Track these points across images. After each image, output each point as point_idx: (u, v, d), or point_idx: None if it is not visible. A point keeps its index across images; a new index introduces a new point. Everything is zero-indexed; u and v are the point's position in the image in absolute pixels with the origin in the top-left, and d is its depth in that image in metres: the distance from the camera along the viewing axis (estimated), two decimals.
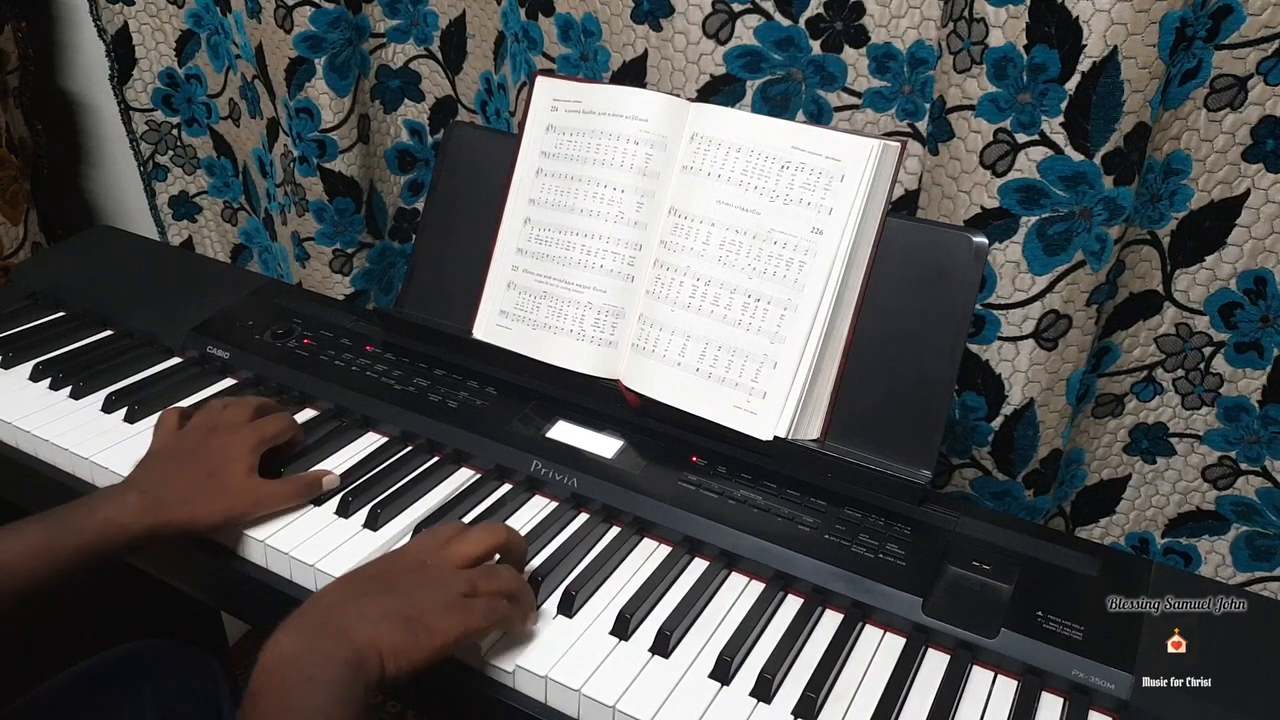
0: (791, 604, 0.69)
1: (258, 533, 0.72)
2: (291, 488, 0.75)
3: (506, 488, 0.79)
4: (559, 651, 0.64)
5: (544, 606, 0.68)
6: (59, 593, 0.67)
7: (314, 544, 0.72)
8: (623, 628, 0.65)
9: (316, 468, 0.79)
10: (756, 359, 0.76)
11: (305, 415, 0.87)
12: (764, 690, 0.62)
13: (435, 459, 0.81)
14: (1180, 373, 0.96)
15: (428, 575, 0.62)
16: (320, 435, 0.83)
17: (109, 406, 0.86)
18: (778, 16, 0.91)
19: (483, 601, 0.61)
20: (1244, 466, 0.97)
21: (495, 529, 0.67)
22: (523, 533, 0.73)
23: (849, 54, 0.92)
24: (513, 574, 0.65)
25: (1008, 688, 0.64)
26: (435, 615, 0.59)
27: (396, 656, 0.56)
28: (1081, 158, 0.80)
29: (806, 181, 0.75)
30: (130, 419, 0.85)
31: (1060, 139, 0.80)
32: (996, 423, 0.93)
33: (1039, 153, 0.81)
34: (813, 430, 0.77)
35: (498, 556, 0.66)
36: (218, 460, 0.73)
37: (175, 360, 0.94)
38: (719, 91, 0.94)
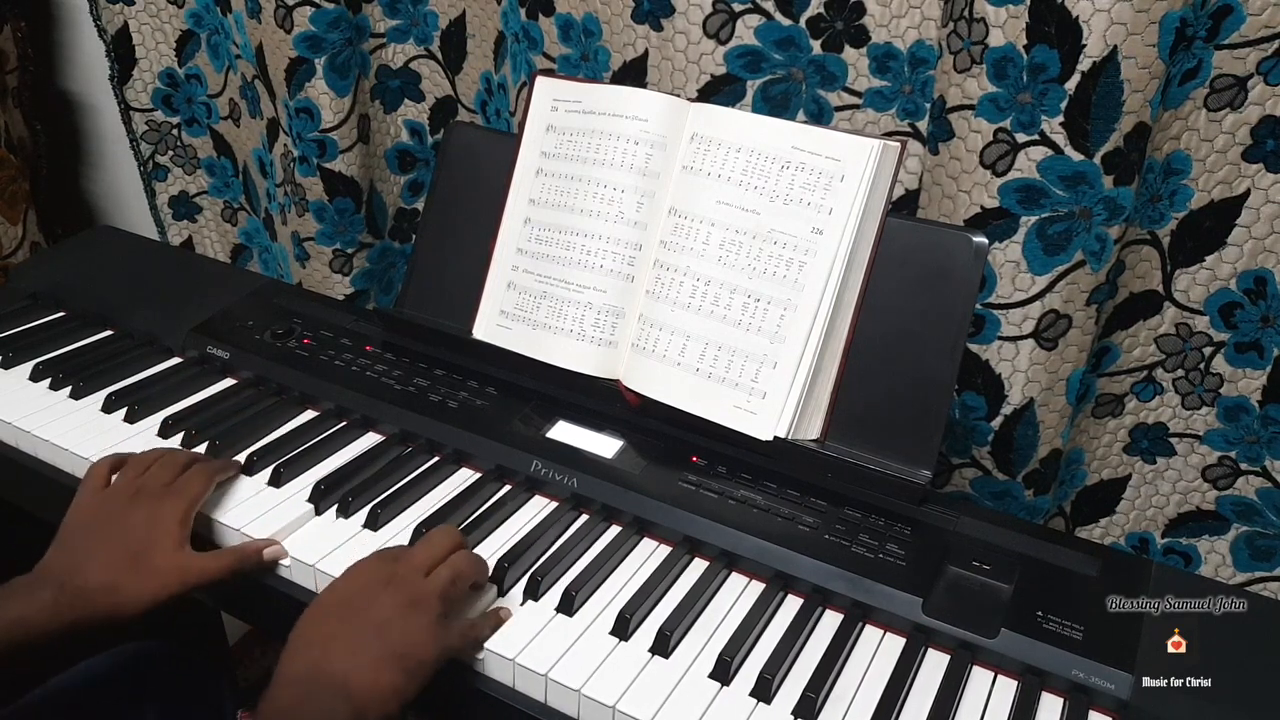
0: (791, 604, 0.69)
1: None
2: (227, 561, 0.69)
3: (506, 488, 0.79)
4: (559, 651, 0.64)
5: (544, 606, 0.68)
6: None
7: (316, 546, 0.72)
8: (623, 628, 0.65)
9: (266, 535, 0.72)
10: (756, 359, 0.76)
11: (305, 415, 0.87)
12: (764, 690, 0.62)
13: (435, 459, 0.81)
14: (1180, 373, 0.96)
15: (400, 593, 0.61)
16: (320, 436, 0.83)
17: (109, 406, 0.86)
18: (778, 16, 0.91)
19: (461, 625, 0.63)
20: (1244, 466, 0.97)
21: (451, 531, 0.68)
22: (523, 533, 0.74)
23: (849, 54, 0.92)
24: (472, 561, 0.66)
25: (1008, 688, 0.64)
26: (425, 646, 0.60)
27: (396, 698, 0.57)
28: (1081, 157, 0.80)
29: (806, 181, 0.75)
30: (130, 419, 0.85)
31: (1060, 139, 0.80)
32: (996, 422, 0.93)
33: (1039, 152, 0.81)
34: (813, 430, 0.77)
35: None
36: (143, 536, 0.67)
37: (175, 360, 0.94)
38: (719, 91, 0.94)
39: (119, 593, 0.65)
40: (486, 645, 0.64)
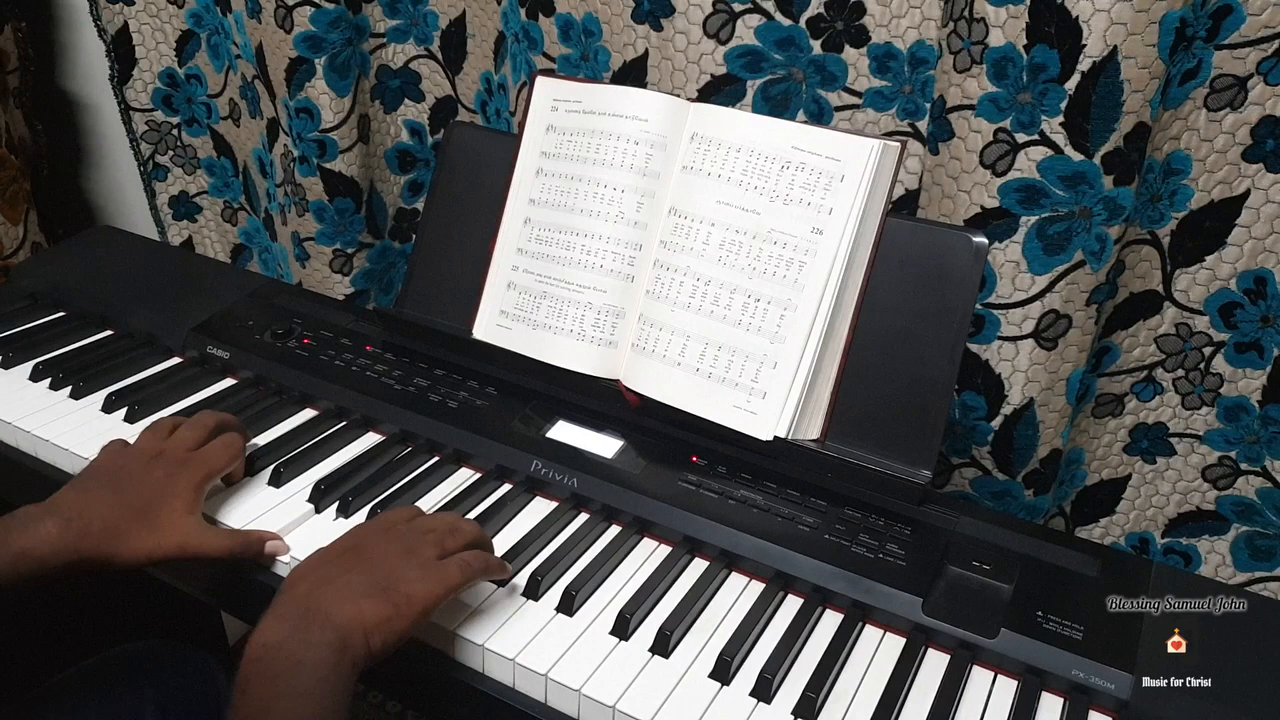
0: (791, 604, 0.69)
1: None
2: (229, 542, 0.69)
3: (506, 488, 0.79)
4: (559, 651, 0.64)
5: (544, 606, 0.68)
6: None
7: (316, 545, 0.71)
8: (623, 628, 0.65)
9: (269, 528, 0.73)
10: (756, 359, 0.76)
11: (305, 415, 0.87)
12: (764, 690, 0.62)
13: (435, 459, 0.81)
14: (1180, 373, 0.96)
15: (396, 542, 0.63)
16: (320, 435, 0.83)
17: (109, 406, 0.86)
18: (778, 16, 0.91)
19: (455, 560, 0.63)
20: (1244, 466, 0.97)
21: (455, 516, 0.70)
22: (523, 533, 0.74)
23: (849, 54, 0.92)
24: (474, 525, 0.67)
25: (1008, 688, 0.64)
26: (412, 581, 0.60)
27: (381, 630, 0.57)
28: (1081, 157, 0.80)
29: (806, 181, 0.75)
30: (130, 419, 0.85)
31: (1060, 139, 0.80)
32: (996, 422, 0.93)
33: (1039, 152, 0.81)
34: (813, 430, 0.77)
35: None
36: (155, 493, 0.69)
37: (175, 360, 0.94)
38: (720, 91, 0.94)
39: (118, 539, 0.66)
40: (486, 645, 0.64)
